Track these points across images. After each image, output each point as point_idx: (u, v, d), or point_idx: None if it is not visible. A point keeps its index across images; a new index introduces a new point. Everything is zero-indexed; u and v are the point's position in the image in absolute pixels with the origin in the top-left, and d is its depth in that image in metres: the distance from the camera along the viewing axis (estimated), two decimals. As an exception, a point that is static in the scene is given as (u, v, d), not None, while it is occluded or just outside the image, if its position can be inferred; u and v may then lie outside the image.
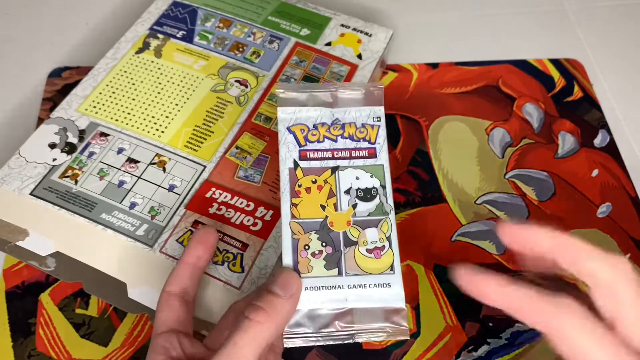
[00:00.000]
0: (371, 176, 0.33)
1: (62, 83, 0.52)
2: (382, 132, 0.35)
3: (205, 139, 0.43)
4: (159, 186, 0.41)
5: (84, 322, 0.40)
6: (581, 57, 0.56)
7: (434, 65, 0.55)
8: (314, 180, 0.33)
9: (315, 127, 0.35)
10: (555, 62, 0.55)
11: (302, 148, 0.34)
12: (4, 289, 0.41)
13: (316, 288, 0.31)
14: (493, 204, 0.46)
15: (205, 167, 0.42)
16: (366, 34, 0.50)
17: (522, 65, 0.55)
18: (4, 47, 0.56)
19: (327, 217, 0.32)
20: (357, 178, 0.33)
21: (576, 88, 0.54)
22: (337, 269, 0.31)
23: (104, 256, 0.37)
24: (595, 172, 0.48)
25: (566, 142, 0.50)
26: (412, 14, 0.60)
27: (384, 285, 0.31)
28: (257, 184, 0.41)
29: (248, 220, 0.39)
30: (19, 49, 0.56)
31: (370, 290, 0.31)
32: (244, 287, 0.37)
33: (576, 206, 0.47)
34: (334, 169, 0.34)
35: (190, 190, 0.40)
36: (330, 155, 0.34)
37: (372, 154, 0.34)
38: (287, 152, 0.34)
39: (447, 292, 0.42)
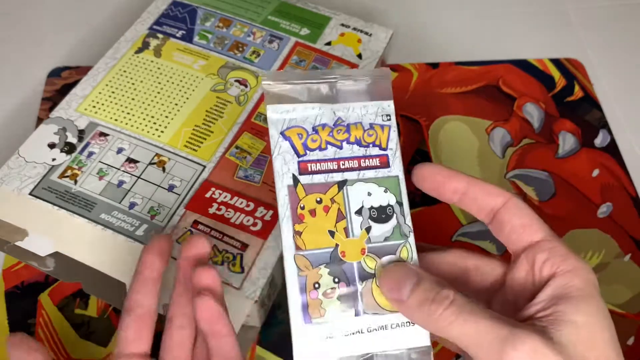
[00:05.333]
0: (385, 191, 0.28)
1: (61, 83, 0.52)
2: (394, 135, 0.29)
3: (205, 139, 0.43)
4: (159, 186, 0.40)
5: (83, 323, 0.40)
6: (581, 57, 0.56)
7: (434, 65, 0.55)
8: (319, 199, 0.28)
9: (315, 130, 0.28)
10: (556, 62, 0.55)
11: (301, 159, 0.28)
12: (3, 289, 0.41)
13: (331, 336, 0.26)
14: (493, 204, 0.46)
15: (205, 167, 0.41)
16: (366, 33, 0.50)
17: (523, 65, 0.55)
18: (3, 47, 0.56)
19: (337, 245, 0.27)
20: (369, 194, 0.28)
21: (577, 88, 0.54)
22: (353, 310, 0.27)
23: (103, 256, 0.37)
24: (595, 172, 0.48)
25: (567, 142, 0.50)
26: (412, 14, 0.60)
27: (407, 324, 0.27)
28: (257, 184, 0.41)
29: (248, 220, 0.39)
30: (18, 49, 0.56)
31: (393, 332, 0.27)
32: (244, 287, 0.36)
33: (577, 206, 0.46)
34: (342, 184, 0.28)
35: (189, 190, 0.40)
36: (336, 167, 0.28)
37: (385, 163, 0.28)
38: (284, 164, 0.28)
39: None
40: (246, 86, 0.46)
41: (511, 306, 0.28)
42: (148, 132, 0.43)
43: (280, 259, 0.38)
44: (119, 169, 0.41)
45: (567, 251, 0.27)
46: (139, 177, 0.41)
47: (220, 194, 0.40)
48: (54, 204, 0.39)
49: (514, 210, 0.28)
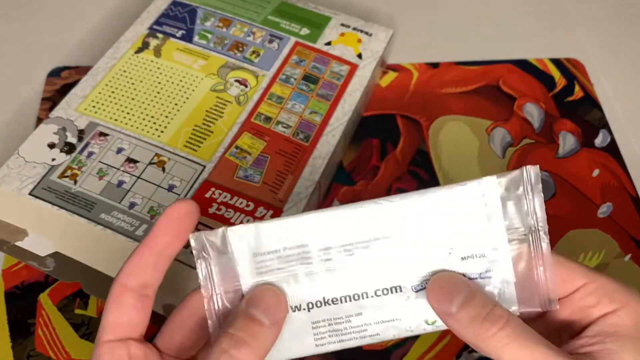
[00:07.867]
0: None
1: (61, 83, 0.52)
2: None
3: (205, 139, 0.43)
4: (159, 186, 0.40)
5: (83, 323, 0.40)
6: (582, 57, 0.56)
7: (435, 65, 0.55)
8: None
9: None
10: (556, 62, 0.55)
11: None
12: (3, 289, 0.41)
13: None
14: (493, 204, 0.46)
15: (204, 167, 0.41)
16: (366, 33, 0.50)
17: (523, 64, 0.55)
18: (3, 46, 0.56)
19: None
20: None
21: (577, 88, 0.54)
22: None
23: (103, 256, 0.37)
24: (596, 172, 0.48)
25: (567, 142, 0.50)
26: (412, 13, 0.60)
27: None
28: (257, 184, 0.41)
29: (248, 221, 0.39)
30: (18, 49, 0.56)
31: None
32: (244, 287, 0.36)
33: (577, 206, 0.46)
34: None
35: (189, 190, 0.40)
36: None
37: None
38: None
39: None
40: (246, 86, 0.46)
41: (553, 338, 0.26)
42: (148, 132, 0.43)
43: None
44: (118, 169, 0.41)
45: (615, 286, 0.25)
46: (138, 177, 0.41)
47: (220, 194, 0.40)
48: (54, 204, 0.39)
49: None
